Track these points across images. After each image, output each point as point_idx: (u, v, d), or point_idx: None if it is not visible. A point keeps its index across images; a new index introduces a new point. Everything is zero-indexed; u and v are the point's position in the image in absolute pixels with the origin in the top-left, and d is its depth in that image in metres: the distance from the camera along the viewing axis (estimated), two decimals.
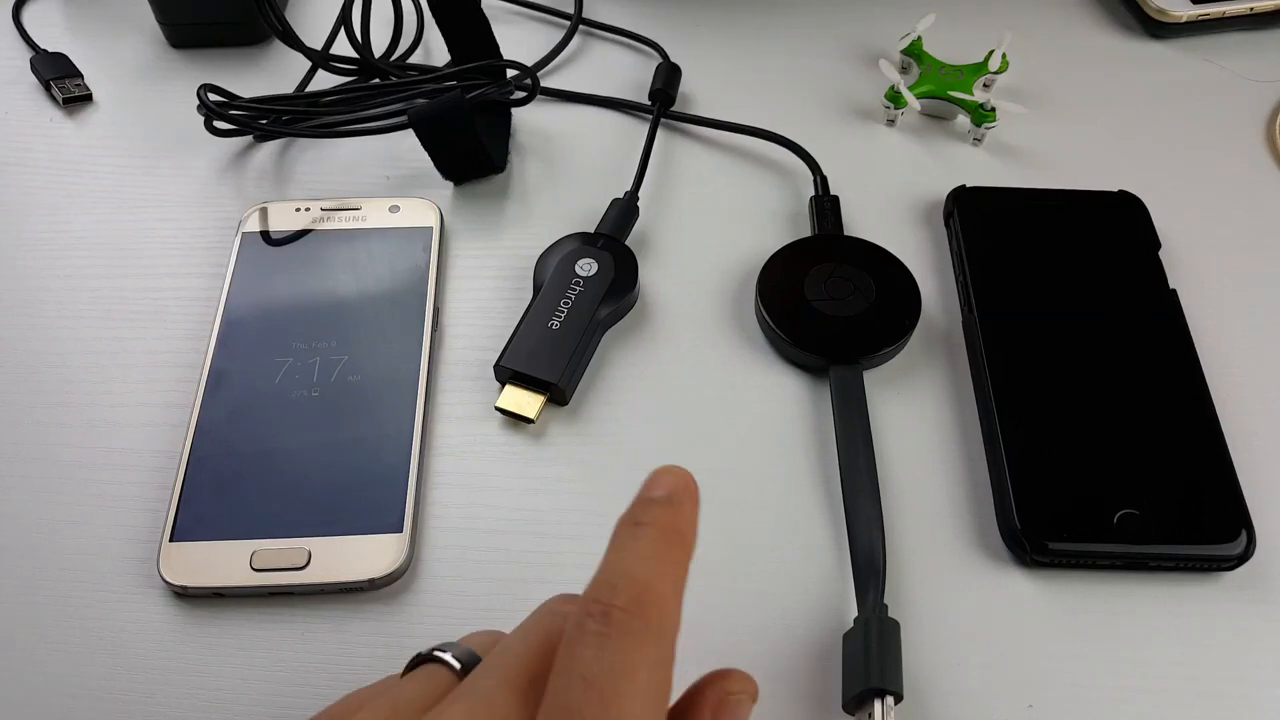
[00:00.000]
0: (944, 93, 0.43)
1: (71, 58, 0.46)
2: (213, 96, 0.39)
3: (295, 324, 0.36)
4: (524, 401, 0.34)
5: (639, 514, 0.21)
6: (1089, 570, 0.31)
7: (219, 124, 0.40)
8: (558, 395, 0.34)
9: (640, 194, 0.40)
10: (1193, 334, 0.35)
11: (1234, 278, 0.38)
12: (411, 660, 0.22)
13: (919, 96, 0.42)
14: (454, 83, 0.40)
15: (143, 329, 0.37)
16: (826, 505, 0.32)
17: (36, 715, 0.28)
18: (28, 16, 0.48)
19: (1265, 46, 0.47)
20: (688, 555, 0.21)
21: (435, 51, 0.47)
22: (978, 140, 0.43)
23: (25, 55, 0.46)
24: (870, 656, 0.27)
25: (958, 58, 0.44)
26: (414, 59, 0.47)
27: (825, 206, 0.39)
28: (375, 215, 0.39)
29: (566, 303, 0.35)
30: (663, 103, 0.43)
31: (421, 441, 0.33)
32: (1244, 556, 0.30)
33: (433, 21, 0.43)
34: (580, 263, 0.37)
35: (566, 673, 0.19)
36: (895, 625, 0.28)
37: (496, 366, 0.34)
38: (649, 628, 0.19)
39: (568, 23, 0.48)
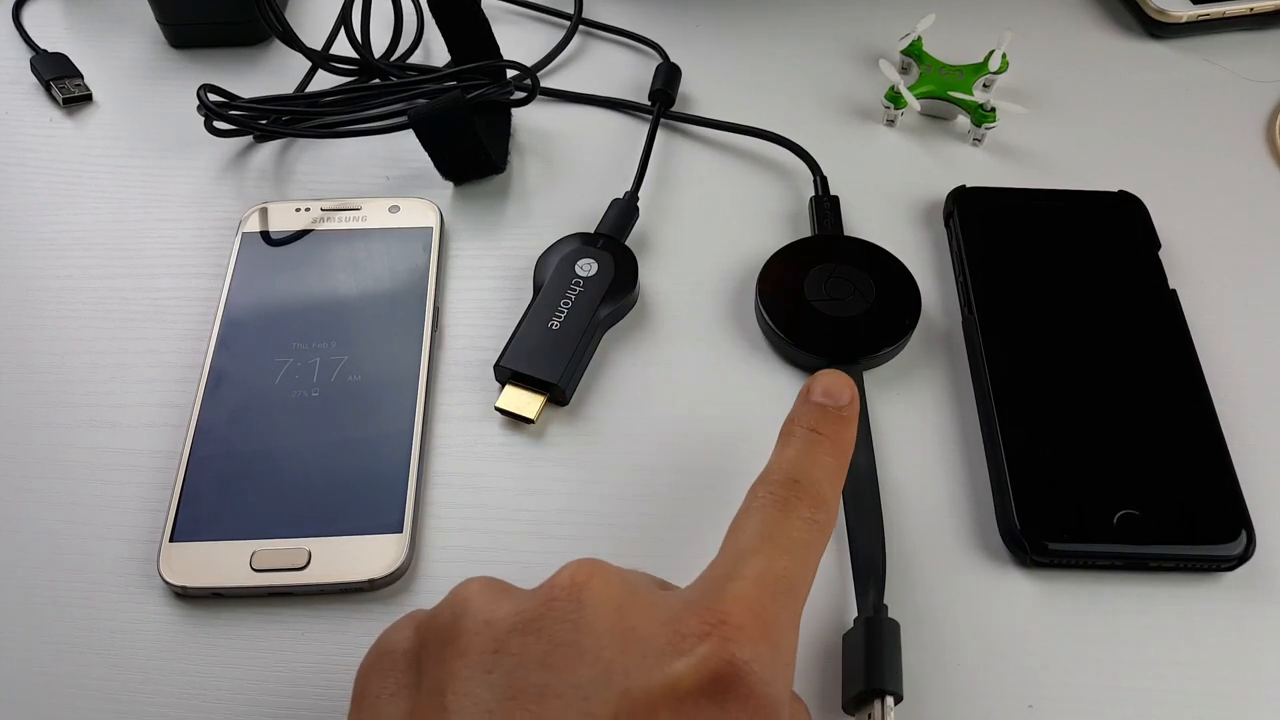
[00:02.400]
0: (944, 93, 0.43)
1: (71, 58, 0.46)
2: (213, 97, 0.39)
3: (295, 324, 0.36)
4: (524, 402, 0.34)
5: (817, 421, 0.25)
6: (1089, 570, 0.31)
7: (219, 124, 0.40)
8: (558, 395, 0.34)
9: (640, 194, 0.40)
10: (1193, 334, 0.35)
11: (1234, 278, 0.38)
12: None
13: (919, 97, 0.42)
14: (454, 83, 0.40)
15: (143, 329, 0.37)
16: None
17: (36, 715, 0.28)
18: (28, 16, 0.48)
19: (1265, 46, 0.47)
20: (847, 467, 0.25)
21: (435, 51, 0.47)
22: (978, 140, 0.43)
23: (25, 55, 0.46)
24: (870, 657, 0.27)
25: (958, 58, 0.44)
26: (414, 59, 0.47)
27: (825, 207, 0.39)
28: (375, 215, 0.39)
29: (566, 303, 0.35)
30: (663, 103, 0.43)
31: (421, 441, 0.33)
32: (1244, 557, 0.30)
33: (433, 22, 0.43)
34: (580, 263, 0.37)
35: (739, 532, 0.23)
36: (895, 625, 0.28)
37: (496, 367, 0.34)
38: (818, 516, 0.23)
39: (568, 23, 0.48)
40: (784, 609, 0.22)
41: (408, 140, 0.40)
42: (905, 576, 0.31)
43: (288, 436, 0.33)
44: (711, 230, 0.40)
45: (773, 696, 0.20)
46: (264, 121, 0.41)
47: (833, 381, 0.26)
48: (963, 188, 0.39)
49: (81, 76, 0.45)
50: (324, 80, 0.45)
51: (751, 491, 0.24)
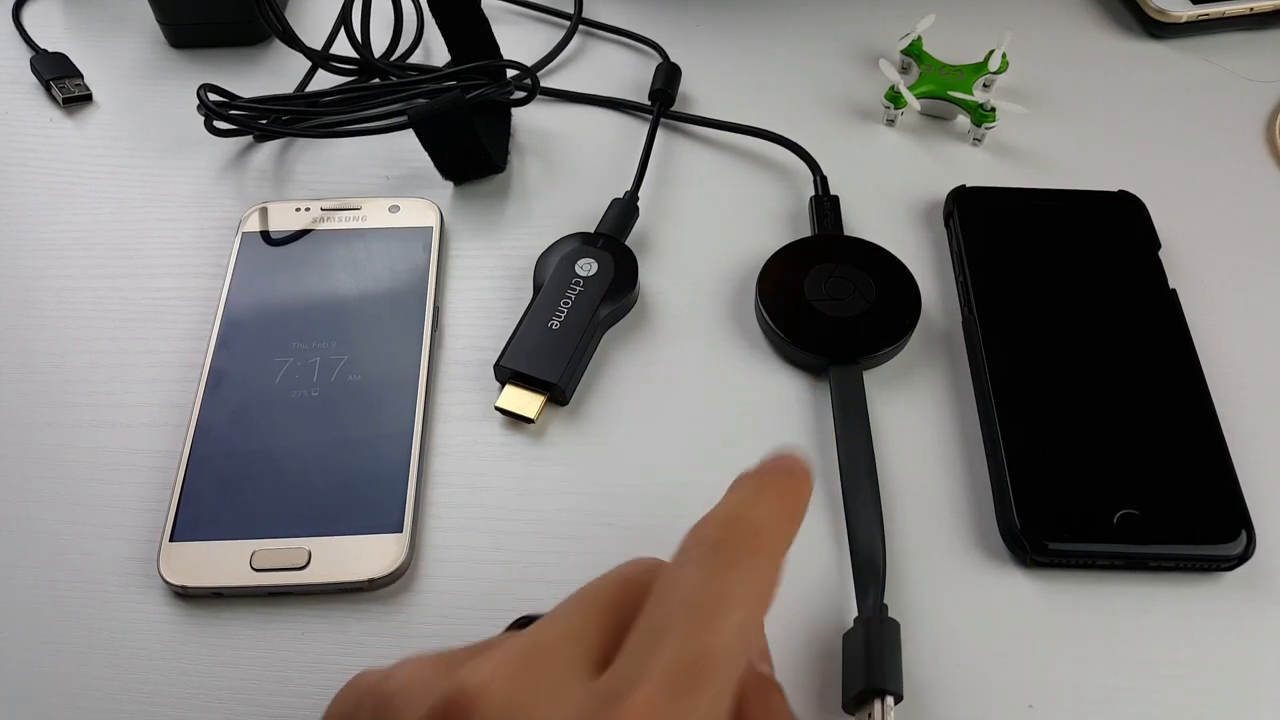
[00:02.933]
0: (944, 93, 0.43)
1: (71, 58, 0.46)
2: (213, 96, 0.39)
3: (295, 324, 0.36)
4: (524, 401, 0.34)
5: (763, 478, 0.22)
6: (1089, 570, 0.31)
7: (219, 124, 0.40)
8: (558, 395, 0.34)
9: (640, 194, 0.40)
10: (1193, 334, 0.35)
11: (1234, 278, 0.38)
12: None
13: (919, 96, 0.42)
14: (454, 83, 0.41)
15: (143, 329, 0.37)
16: (826, 505, 0.32)
17: (36, 715, 0.28)
18: (28, 16, 0.48)
19: (1265, 46, 0.47)
20: (798, 524, 0.22)
21: (435, 51, 0.47)
22: (978, 140, 0.43)
23: (25, 55, 0.46)
24: (870, 656, 0.27)
25: (958, 58, 0.44)
26: (414, 59, 0.47)
27: (825, 206, 0.39)
28: (375, 215, 0.39)
29: (566, 303, 0.35)
30: (663, 103, 0.43)
31: (421, 441, 0.33)
32: (1244, 556, 0.30)
33: (433, 21, 0.43)
34: (580, 263, 0.37)
35: (666, 594, 0.19)
36: (895, 625, 0.28)
37: (496, 366, 0.34)
38: (755, 567, 0.20)
39: (568, 23, 0.48)
40: (698, 702, 0.18)
41: (408, 140, 0.40)
42: (905, 576, 0.31)
43: (288, 436, 0.33)
44: (711, 230, 0.40)
45: None
46: (264, 121, 0.41)
47: (784, 456, 0.23)
48: (963, 188, 0.39)
49: (81, 76, 0.45)
50: (324, 80, 0.45)
51: (681, 545, 0.21)
